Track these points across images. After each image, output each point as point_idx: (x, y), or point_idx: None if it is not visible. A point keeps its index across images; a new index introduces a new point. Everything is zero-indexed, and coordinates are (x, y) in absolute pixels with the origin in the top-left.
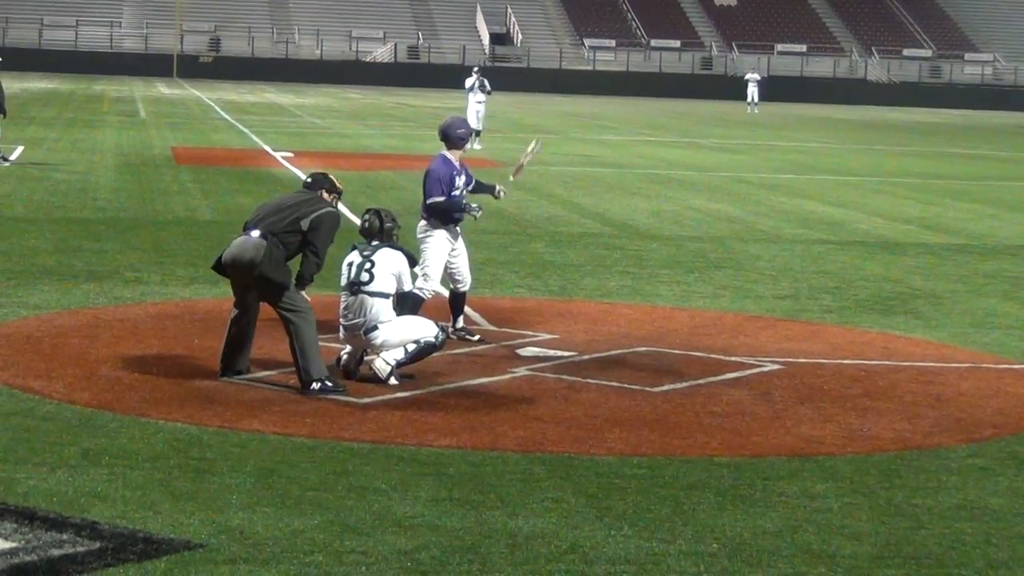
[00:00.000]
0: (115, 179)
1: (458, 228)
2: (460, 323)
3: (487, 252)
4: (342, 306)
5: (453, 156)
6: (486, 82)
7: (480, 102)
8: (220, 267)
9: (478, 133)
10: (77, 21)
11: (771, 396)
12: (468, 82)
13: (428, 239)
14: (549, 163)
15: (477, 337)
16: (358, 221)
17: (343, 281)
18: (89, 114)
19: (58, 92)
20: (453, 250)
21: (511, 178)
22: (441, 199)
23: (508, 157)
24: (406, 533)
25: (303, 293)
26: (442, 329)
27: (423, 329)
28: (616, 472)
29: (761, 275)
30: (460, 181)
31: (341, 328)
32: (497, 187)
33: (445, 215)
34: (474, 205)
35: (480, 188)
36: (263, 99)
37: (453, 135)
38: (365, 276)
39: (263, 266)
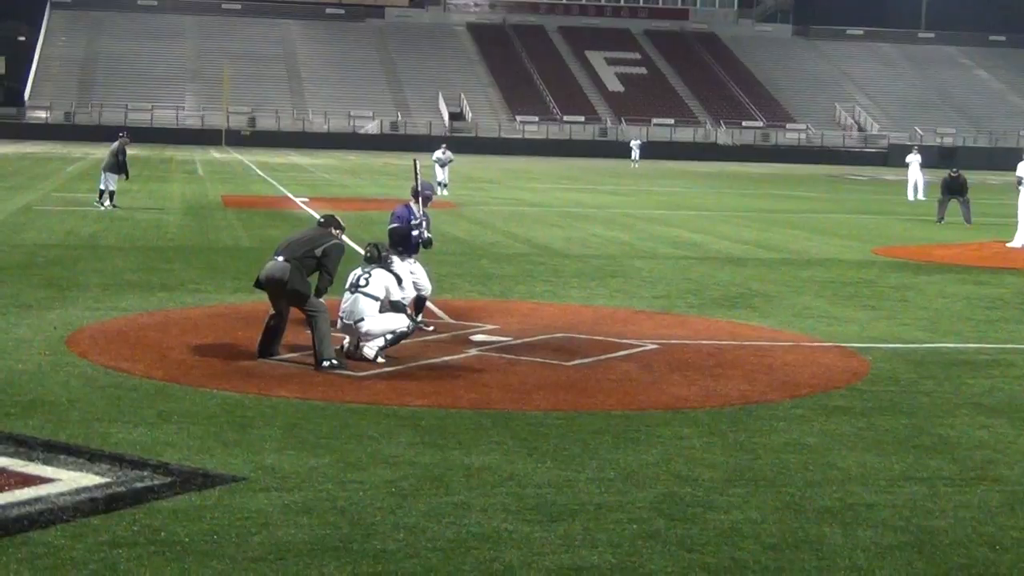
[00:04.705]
0: (181, 219)
1: (413, 257)
2: (419, 318)
3: (448, 267)
4: (342, 302)
5: (416, 207)
6: (450, 154)
7: (444, 166)
8: (259, 284)
9: (445, 185)
10: (152, 105)
11: (651, 367)
12: (437, 154)
13: (392, 264)
14: (492, 204)
15: (432, 328)
16: (357, 247)
17: (347, 284)
18: (161, 172)
19: (138, 157)
20: (412, 270)
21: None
22: (397, 225)
23: (464, 200)
24: (391, 467)
25: (320, 299)
26: (412, 320)
27: (397, 322)
28: (541, 422)
29: (643, 282)
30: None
31: (339, 321)
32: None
33: (403, 241)
34: (426, 234)
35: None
36: (287, 160)
37: (419, 193)
38: (363, 281)
39: (291, 282)
